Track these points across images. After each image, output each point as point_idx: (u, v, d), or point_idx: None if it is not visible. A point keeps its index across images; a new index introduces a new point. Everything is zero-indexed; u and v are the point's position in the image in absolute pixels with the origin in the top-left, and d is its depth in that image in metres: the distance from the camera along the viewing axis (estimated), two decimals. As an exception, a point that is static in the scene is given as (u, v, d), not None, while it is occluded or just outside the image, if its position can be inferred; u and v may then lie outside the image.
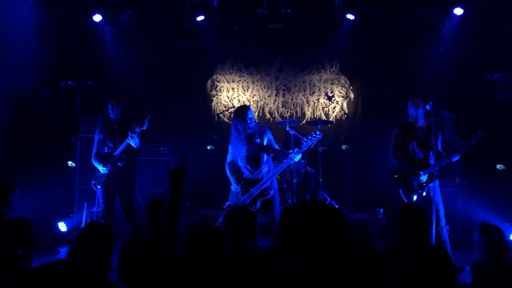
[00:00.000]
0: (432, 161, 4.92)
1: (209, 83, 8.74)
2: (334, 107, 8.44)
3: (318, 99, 8.51)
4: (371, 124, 7.88)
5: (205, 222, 2.45)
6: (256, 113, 8.48)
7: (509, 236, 5.90)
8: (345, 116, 7.81)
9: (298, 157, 4.80)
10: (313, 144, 4.95)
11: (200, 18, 7.57)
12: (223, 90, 8.71)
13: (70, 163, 6.95)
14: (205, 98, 8.73)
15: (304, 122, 8.15)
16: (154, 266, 2.58)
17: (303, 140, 4.92)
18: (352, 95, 8.47)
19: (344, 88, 8.49)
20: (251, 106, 8.52)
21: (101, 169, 5.46)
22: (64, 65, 7.52)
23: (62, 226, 6.41)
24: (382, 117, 7.65)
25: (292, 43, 8.38)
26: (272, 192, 4.90)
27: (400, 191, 5.08)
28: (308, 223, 1.41)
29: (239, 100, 8.63)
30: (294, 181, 6.56)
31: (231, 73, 8.72)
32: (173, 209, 2.38)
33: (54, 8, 7.17)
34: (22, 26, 6.80)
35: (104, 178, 5.47)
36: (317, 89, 8.52)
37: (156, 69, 8.33)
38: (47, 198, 6.38)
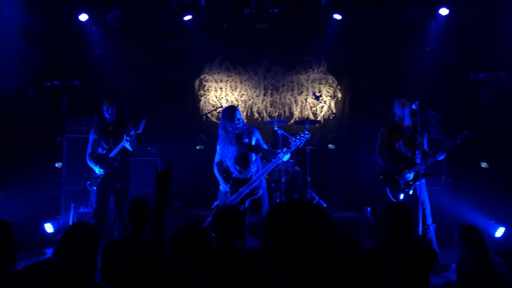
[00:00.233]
0: (418, 160, 4.97)
1: (197, 82, 8.72)
2: (322, 107, 8.48)
3: (306, 98, 8.54)
4: (359, 124, 7.94)
5: (191, 222, 2.44)
6: (244, 113, 8.48)
7: (494, 233, 6.00)
8: (333, 115, 7.85)
9: (286, 157, 4.82)
10: (302, 144, 4.97)
11: (188, 17, 7.55)
12: (211, 89, 8.69)
13: (58, 164, 6.88)
14: (193, 98, 8.71)
15: (292, 121, 8.17)
16: (138, 266, 2.57)
17: (291, 140, 4.94)
18: (339, 95, 8.51)
19: (331, 88, 8.53)
20: (239, 106, 8.52)
21: (98, 170, 5.43)
22: (50, 65, 7.45)
23: (49, 227, 6.34)
24: (370, 116, 7.70)
25: (280, 43, 8.40)
26: (261, 192, 4.90)
27: (387, 189, 5.12)
28: (294, 222, 1.42)
29: (227, 100, 8.62)
30: (283, 180, 6.58)
31: (219, 72, 8.71)
32: (160, 211, 2.37)
33: (40, 7, 7.10)
34: (6, 25, 6.72)
35: (99, 180, 5.44)
36: (305, 88, 8.55)
37: (143, 69, 8.28)
38: (33, 199, 6.31)
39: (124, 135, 5.34)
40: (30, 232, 6.16)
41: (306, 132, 4.85)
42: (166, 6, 7.48)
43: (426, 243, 4.65)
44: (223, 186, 5.01)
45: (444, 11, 7.13)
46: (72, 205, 6.31)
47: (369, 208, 6.50)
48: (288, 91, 8.58)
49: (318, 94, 7.41)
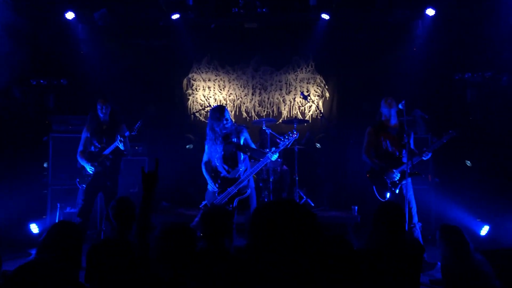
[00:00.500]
0: (405, 159, 5.01)
1: (185, 81, 8.69)
2: (310, 106, 8.51)
3: (294, 98, 8.56)
4: (346, 123, 7.97)
5: (177, 222, 2.43)
6: (233, 112, 8.48)
7: (479, 232, 6.08)
8: (321, 115, 7.88)
9: (275, 156, 4.83)
10: (290, 144, 4.98)
11: (175, 16, 7.52)
12: (199, 89, 8.67)
13: (45, 164, 6.81)
14: (181, 97, 8.68)
15: (280, 121, 8.19)
16: (123, 267, 2.56)
17: (280, 140, 4.95)
18: (327, 94, 8.55)
19: (319, 88, 8.57)
20: (228, 105, 8.51)
21: (89, 168, 5.40)
22: (36, 63, 7.34)
23: (34, 228, 6.27)
24: (357, 115, 7.74)
25: (268, 42, 8.41)
26: (249, 191, 4.91)
27: (374, 188, 5.17)
28: (280, 221, 1.42)
29: (215, 99, 8.61)
30: (271, 179, 6.60)
31: (207, 72, 8.69)
32: (146, 212, 2.36)
33: (26, 4, 7.00)
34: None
35: (89, 178, 5.41)
36: (293, 88, 8.57)
37: (130, 67, 8.22)
38: (19, 199, 6.22)
39: (118, 136, 5.34)
40: (15, 232, 6.09)
41: (295, 132, 4.87)
42: (154, 4, 7.43)
43: (413, 240, 4.70)
44: (211, 186, 5.01)
45: (430, 12, 7.20)
46: (58, 205, 6.25)
47: (356, 207, 6.54)
48: (276, 91, 8.59)
49: (306, 94, 7.43)
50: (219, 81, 8.66)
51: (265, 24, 8.10)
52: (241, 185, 4.86)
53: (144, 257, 2.24)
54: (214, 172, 5.03)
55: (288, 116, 8.46)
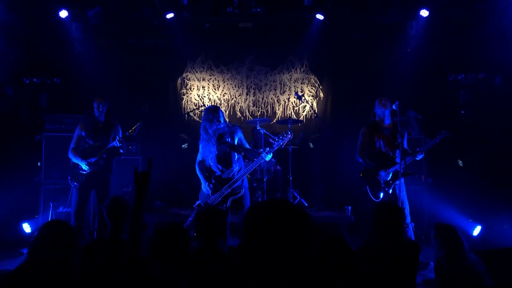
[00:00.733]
0: (398, 159, 5.03)
1: (179, 81, 8.67)
2: (304, 107, 8.52)
3: (289, 98, 8.57)
4: (340, 123, 7.99)
5: (171, 222, 2.42)
6: (227, 112, 8.47)
7: (472, 232, 6.11)
8: (315, 115, 7.89)
9: (269, 157, 4.83)
10: (284, 144, 4.98)
11: (170, 15, 7.49)
12: (194, 88, 8.66)
13: (39, 163, 6.77)
14: (175, 96, 8.66)
15: (274, 121, 8.19)
16: (116, 267, 2.55)
17: (274, 140, 4.95)
18: (322, 95, 8.57)
19: (314, 88, 8.58)
20: (222, 105, 8.51)
21: (84, 166, 5.36)
22: (29, 62, 7.30)
23: (27, 227, 6.23)
24: (351, 116, 7.77)
25: (263, 42, 8.41)
26: (243, 191, 4.91)
27: (368, 188, 5.18)
28: (272, 221, 1.42)
29: (209, 99, 8.60)
30: (265, 179, 6.60)
31: (201, 71, 8.68)
32: (138, 211, 2.35)
33: (19, 2, 6.96)
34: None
35: (83, 177, 5.38)
36: (288, 88, 8.58)
37: (124, 66, 8.18)
38: (11, 198, 6.17)
39: (117, 136, 5.35)
40: (8, 231, 6.05)
41: (289, 132, 4.87)
42: (148, 3, 7.41)
43: (410, 239, 4.72)
44: (205, 187, 4.98)
45: (424, 13, 7.22)
46: (51, 205, 6.22)
47: (349, 207, 6.55)
48: (270, 91, 8.60)
49: (300, 94, 7.43)
50: (213, 80, 8.65)
51: (259, 24, 8.09)
52: (235, 185, 4.86)
53: (136, 256, 2.23)
54: (208, 172, 5.02)
55: (282, 116, 8.47)
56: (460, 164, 6.92)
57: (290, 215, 1.43)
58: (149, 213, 6.52)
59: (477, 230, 6.11)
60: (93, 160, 5.39)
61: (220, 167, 4.99)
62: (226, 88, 8.63)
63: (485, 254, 3.49)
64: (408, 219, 5.04)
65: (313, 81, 8.59)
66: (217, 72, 8.65)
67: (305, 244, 1.38)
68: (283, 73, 8.62)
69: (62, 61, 7.56)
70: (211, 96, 8.62)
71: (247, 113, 8.53)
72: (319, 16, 7.52)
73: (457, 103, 7.41)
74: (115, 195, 3.58)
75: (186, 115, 8.38)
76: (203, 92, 8.64)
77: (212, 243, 2.94)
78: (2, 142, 6.75)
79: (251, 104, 8.58)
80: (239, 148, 4.97)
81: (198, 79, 8.65)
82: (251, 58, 8.59)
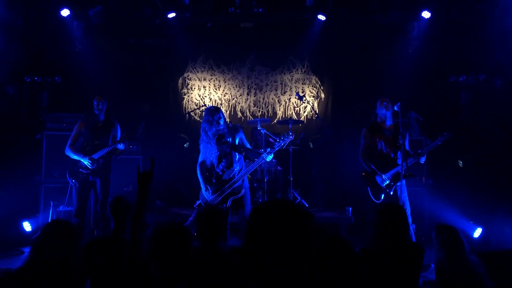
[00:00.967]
0: (399, 161, 5.02)
1: (180, 81, 8.67)
2: (305, 107, 8.52)
3: (290, 98, 8.57)
4: (341, 124, 7.99)
5: (173, 222, 2.42)
6: (228, 112, 8.47)
7: (472, 234, 6.10)
8: (316, 115, 7.89)
9: (270, 157, 4.80)
10: (285, 145, 4.95)
11: (171, 15, 7.49)
12: (194, 88, 8.66)
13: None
14: (176, 96, 8.67)
15: (275, 121, 8.19)
16: (117, 265, 2.54)
17: (275, 140, 4.93)
18: (322, 95, 8.57)
19: (315, 88, 8.58)
20: (223, 105, 8.51)
21: (87, 162, 5.37)
22: (30, 61, 7.30)
23: (27, 226, 6.22)
24: (352, 116, 7.77)
25: (264, 42, 8.42)
26: (243, 191, 4.89)
27: (369, 190, 5.17)
28: (277, 221, 1.42)
29: (210, 99, 8.60)
30: (265, 180, 6.59)
31: (202, 71, 8.68)
32: (140, 211, 2.35)
33: (20, 1, 6.96)
34: (-15, 19, 6.57)
35: (83, 176, 5.39)
36: (289, 88, 8.58)
37: (126, 65, 8.19)
38: (12, 197, 6.18)
39: (119, 137, 5.40)
40: (8, 230, 6.05)
41: (290, 133, 4.84)
42: (150, 3, 7.41)
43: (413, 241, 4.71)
44: (205, 192, 4.94)
45: (426, 14, 7.23)
46: (51, 203, 6.21)
47: (350, 208, 6.54)
48: (271, 91, 8.60)
49: (301, 94, 7.44)
50: (214, 80, 8.66)
51: (261, 24, 8.10)
52: (235, 185, 4.85)
53: (136, 256, 2.23)
54: (208, 172, 5.00)
55: (283, 116, 8.47)
56: (460, 164, 6.91)
57: (294, 216, 1.42)
58: (149, 213, 6.52)
59: (477, 232, 6.10)
60: (97, 156, 5.39)
61: (221, 167, 4.98)
62: (227, 88, 8.63)
63: (486, 256, 3.48)
64: (409, 220, 5.02)
65: (314, 82, 8.59)
66: (218, 72, 8.66)
67: (309, 244, 1.38)
68: (284, 74, 8.63)
69: (63, 60, 7.57)
70: (212, 96, 8.61)
71: (248, 113, 8.53)
72: (321, 17, 7.52)
73: (458, 104, 7.40)
74: (117, 195, 3.58)
75: (187, 115, 8.39)
76: (204, 92, 8.64)
77: (212, 243, 2.94)
78: (3, 141, 6.75)
79: (252, 104, 8.58)
80: (240, 148, 4.95)
81: (199, 79, 8.65)
82: (252, 58, 8.59)
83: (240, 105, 8.59)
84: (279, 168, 7.16)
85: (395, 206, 3.24)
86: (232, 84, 8.63)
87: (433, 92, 7.54)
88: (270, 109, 8.57)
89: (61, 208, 6.23)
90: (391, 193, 5.07)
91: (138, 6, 7.49)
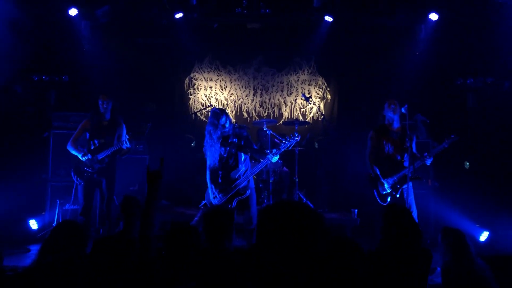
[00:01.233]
0: (406, 164, 5.00)
1: (186, 81, 8.69)
2: (311, 108, 8.51)
3: (296, 99, 8.57)
4: (347, 125, 7.98)
5: (183, 222, 2.43)
6: (234, 113, 8.48)
7: (479, 237, 6.07)
8: (322, 117, 7.88)
9: (276, 158, 4.78)
10: (292, 146, 4.94)
11: (179, 15, 7.51)
12: (201, 88, 8.67)
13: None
14: (182, 96, 8.68)
15: (281, 122, 8.19)
16: (124, 264, 2.55)
17: (281, 141, 4.93)
18: (329, 96, 8.56)
19: (321, 89, 8.57)
20: (229, 105, 8.51)
21: (85, 159, 5.40)
22: (38, 60, 7.35)
23: (33, 224, 6.25)
24: (358, 118, 7.76)
25: (270, 43, 8.42)
26: (249, 192, 4.88)
27: (375, 192, 5.16)
28: (290, 222, 1.42)
29: (216, 99, 8.61)
30: (271, 181, 6.58)
31: (209, 71, 8.69)
32: (149, 210, 2.36)
33: (28, 0, 7.00)
34: (-6, 19, 6.62)
35: (88, 174, 5.41)
36: (295, 89, 8.58)
37: (132, 65, 8.22)
38: (18, 195, 6.22)
39: (124, 137, 5.43)
40: (15, 228, 6.08)
41: (296, 134, 4.83)
42: (157, 3, 7.43)
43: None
44: (212, 195, 4.93)
45: (434, 16, 7.20)
46: (58, 202, 6.24)
47: (356, 210, 6.53)
48: (277, 92, 8.60)
49: (307, 96, 7.43)
50: (220, 81, 8.67)
51: (267, 25, 8.10)
52: (241, 186, 4.84)
53: (145, 254, 2.24)
54: (215, 173, 4.99)
55: (289, 117, 8.47)
56: (466, 166, 6.87)
57: (304, 217, 1.43)
58: (156, 212, 6.52)
59: (484, 236, 6.06)
60: (101, 155, 5.42)
61: (226, 167, 4.97)
62: (233, 88, 8.64)
63: (492, 260, 3.46)
64: (416, 223, 5.01)
65: (321, 83, 8.58)
66: (225, 72, 8.67)
67: (318, 245, 1.38)
68: (290, 75, 8.62)
69: (70, 59, 7.61)
70: (218, 97, 8.63)
71: (254, 114, 8.53)
72: (328, 18, 7.50)
73: (465, 107, 7.37)
74: (127, 194, 3.61)
75: (193, 115, 8.40)
76: (210, 92, 8.65)
77: (218, 243, 2.94)
78: (10, 139, 6.79)
79: (258, 105, 8.58)
80: (246, 148, 4.95)
81: (205, 79, 8.67)
82: (259, 59, 8.60)
83: (246, 105, 8.59)
84: (284, 169, 7.15)
85: (400, 207, 3.23)
86: (238, 85, 8.64)
87: (440, 95, 7.51)
88: (276, 110, 8.56)
89: (67, 206, 6.27)
90: (398, 195, 5.05)
91: (145, 6, 7.52)
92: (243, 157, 4.96)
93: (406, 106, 4.85)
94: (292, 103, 8.58)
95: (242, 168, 4.93)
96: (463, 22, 7.15)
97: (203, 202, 5.25)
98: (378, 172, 5.11)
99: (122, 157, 5.80)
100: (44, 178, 6.64)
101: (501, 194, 6.36)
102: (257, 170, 4.92)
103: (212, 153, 4.98)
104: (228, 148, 4.92)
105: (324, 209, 7.19)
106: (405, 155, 5.05)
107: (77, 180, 5.50)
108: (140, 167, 6.71)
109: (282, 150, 4.82)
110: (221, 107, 8.42)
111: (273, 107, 8.57)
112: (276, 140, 6.74)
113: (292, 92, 8.58)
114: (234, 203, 4.85)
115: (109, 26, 7.72)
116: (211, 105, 8.24)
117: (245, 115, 8.54)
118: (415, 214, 5.02)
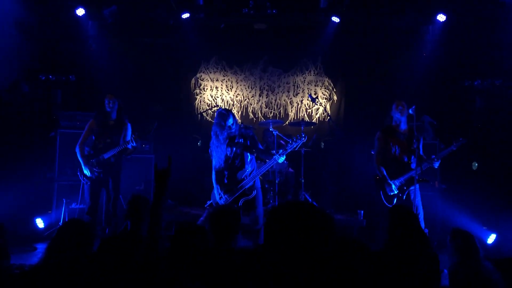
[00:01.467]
0: (413, 165, 4.97)
1: (192, 81, 8.69)
2: (317, 109, 8.49)
3: (302, 100, 8.55)
4: (353, 126, 7.95)
5: (191, 222, 2.43)
6: (240, 113, 8.48)
7: (486, 240, 6.02)
8: (328, 117, 7.86)
9: (282, 159, 4.76)
10: (298, 147, 4.92)
11: (185, 15, 7.53)
12: (207, 88, 8.68)
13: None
14: (188, 96, 8.69)
15: (287, 123, 8.17)
16: (132, 262, 2.55)
17: (287, 142, 4.91)
18: (335, 97, 8.53)
19: (327, 90, 8.55)
20: (235, 106, 8.51)
21: (86, 172, 5.45)
22: (45, 59, 7.39)
23: (40, 223, 6.28)
24: (365, 119, 7.73)
25: (277, 43, 8.41)
26: (255, 192, 4.87)
27: (381, 193, 5.13)
28: (298, 222, 1.41)
29: (222, 99, 8.61)
30: (276, 181, 6.57)
31: (215, 72, 8.69)
32: (157, 209, 2.36)
33: (36, 0, 7.03)
34: (1, 18, 6.64)
35: (94, 174, 5.43)
36: (301, 90, 8.56)
37: (139, 65, 8.25)
38: (25, 193, 6.24)
39: (129, 137, 5.46)
40: (21, 226, 6.10)
41: (303, 135, 4.82)
42: (164, 3, 7.45)
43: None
44: (217, 196, 4.93)
45: (441, 18, 7.17)
46: (64, 201, 6.27)
47: (362, 212, 6.50)
48: (284, 92, 8.59)
49: (314, 96, 7.41)
50: (226, 81, 8.67)
51: (274, 25, 8.09)
52: (247, 186, 4.83)
53: (153, 253, 2.24)
54: (221, 173, 4.98)
55: (295, 118, 8.45)
56: (474, 167, 6.82)
57: (312, 218, 1.42)
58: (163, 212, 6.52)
59: (491, 238, 6.02)
60: (107, 155, 5.44)
61: (233, 168, 4.96)
62: (239, 89, 8.64)
63: (500, 263, 3.43)
64: (422, 224, 4.98)
65: (327, 84, 8.56)
66: (231, 72, 8.67)
67: (327, 246, 1.37)
68: (297, 75, 8.61)
69: (77, 59, 7.65)
70: (224, 97, 8.63)
71: (260, 115, 8.52)
72: (335, 19, 7.49)
73: (473, 109, 7.32)
74: (135, 193, 3.61)
75: (199, 115, 8.41)
76: (216, 92, 8.65)
77: (224, 243, 2.93)
78: (17, 138, 6.81)
79: (264, 106, 8.57)
80: (252, 149, 4.94)
81: (211, 80, 8.67)
82: (265, 59, 8.59)
83: (252, 106, 8.59)
84: (290, 169, 7.14)
85: (406, 208, 3.21)
86: (244, 85, 8.64)
87: (448, 96, 7.47)
88: (282, 111, 8.55)
89: (73, 205, 6.30)
90: (404, 197, 5.03)
91: (152, 7, 7.54)
92: (249, 157, 4.95)
93: (413, 107, 4.81)
94: (298, 104, 8.56)
95: (248, 169, 4.92)
96: (470, 23, 7.10)
97: (209, 202, 5.25)
98: (385, 173, 5.09)
99: (128, 157, 5.81)
100: (51, 177, 6.66)
101: (509, 197, 6.30)
102: (264, 171, 4.91)
103: (218, 154, 4.97)
104: (234, 149, 4.91)
105: (330, 210, 7.16)
106: (412, 156, 5.02)
107: (83, 180, 5.52)
108: (146, 166, 6.72)
109: (289, 150, 4.80)
110: (227, 107, 8.42)
111: (279, 108, 8.56)
112: (282, 141, 6.73)
113: (298, 93, 8.57)
114: (240, 203, 4.84)
115: (116, 26, 7.75)
116: (217, 106, 8.24)
117: (251, 115, 8.53)
118: (421, 216, 5.00)
